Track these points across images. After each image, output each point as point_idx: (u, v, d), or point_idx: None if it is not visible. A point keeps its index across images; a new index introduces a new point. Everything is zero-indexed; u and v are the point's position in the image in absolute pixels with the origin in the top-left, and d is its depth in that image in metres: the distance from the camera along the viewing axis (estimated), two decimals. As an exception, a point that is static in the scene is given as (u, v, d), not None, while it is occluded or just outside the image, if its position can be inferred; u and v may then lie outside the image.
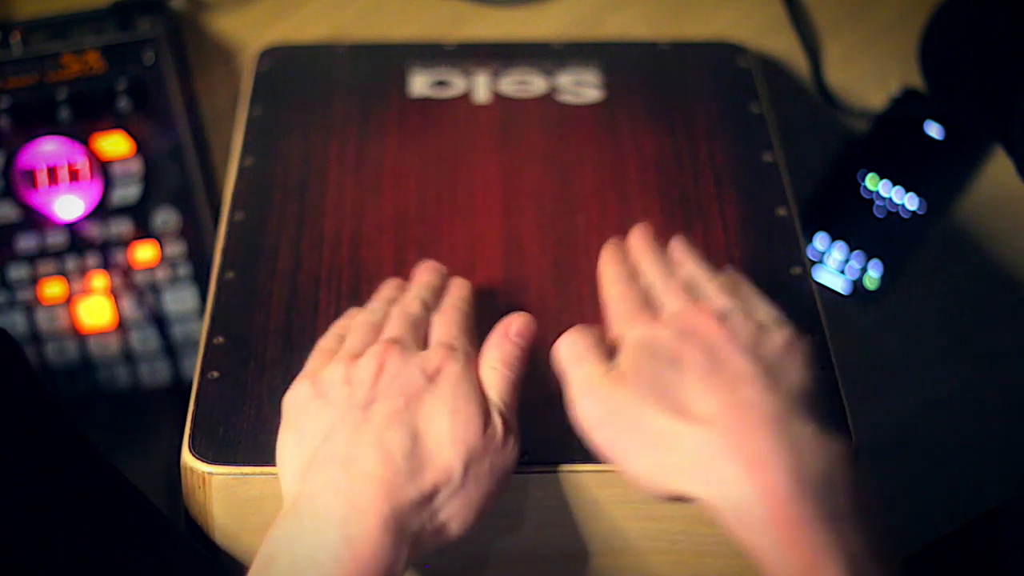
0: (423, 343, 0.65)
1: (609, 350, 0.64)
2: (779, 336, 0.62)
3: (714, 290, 0.66)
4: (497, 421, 0.61)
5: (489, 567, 0.68)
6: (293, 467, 0.61)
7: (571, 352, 0.64)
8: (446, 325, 0.66)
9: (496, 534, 0.67)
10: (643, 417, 0.60)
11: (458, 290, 0.70)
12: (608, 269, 0.70)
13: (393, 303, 0.69)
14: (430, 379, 0.62)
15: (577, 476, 0.65)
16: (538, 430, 0.66)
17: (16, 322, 0.91)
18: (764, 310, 0.65)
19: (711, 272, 0.68)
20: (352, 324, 0.68)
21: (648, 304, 0.66)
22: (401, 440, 0.59)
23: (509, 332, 0.65)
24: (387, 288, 0.71)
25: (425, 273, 0.72)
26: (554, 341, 0.71)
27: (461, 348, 0.64)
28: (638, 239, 0.72)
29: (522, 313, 0.66)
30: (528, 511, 0.66)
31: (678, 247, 0.71)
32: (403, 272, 0.75)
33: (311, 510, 0.58)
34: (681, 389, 0.60)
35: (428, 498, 0.59)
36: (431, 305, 0.68)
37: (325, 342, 0.68)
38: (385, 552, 0.57)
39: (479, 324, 0.71)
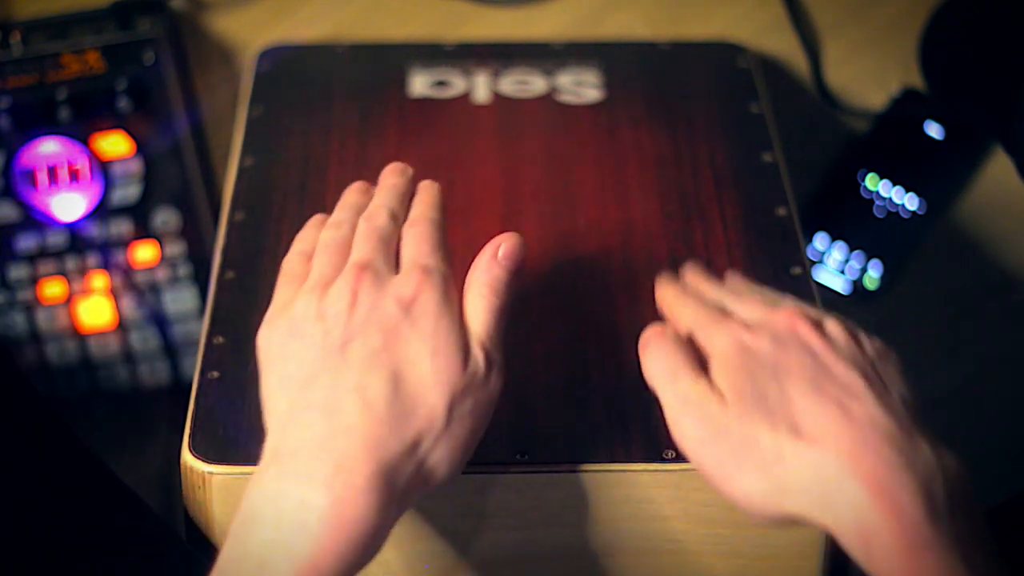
0: (395, 261, 0.62)
1: (697, 358, 0.61)
2: (875, 344, 0.60)
3: (792, 302, 0.63)
4: (479, 355, 0.59)
5: (489, 567, 0.68)
6: (275, 417, 0.59)
7: (662, 368, 0.61)
8: (418, 241, 0.63)
9: (496, 534, 0.67)
10: (753, 436, 0.56)
11: (428, 196, 0.66)
12: (669, 291, 0.67)
13: (359, 212, 0.66)
14: (406, 310, 0.59)
15: (577, 476, 0.65)
16: (538, 430, 0.66)
17: (16, 322, 0.91)
18: (848, 322, 0.62)
19: (782, 294, 0.65)
20: (319, 243, 0.64)
21: (728, 312, 0.63)
22: (381, 386, 0.57)
23: (498, 255, 0.62)
24: (352, 193, 0.68)
25: (391, 176, 0.68)
26: (554, 342, 0.71)
27: (437, 269, 0.61)
28: (692, 273, 0.69)
29: (512, 234, 0.63)
30: (528, 511, 0.66)
31: (736, 277, 0.68)
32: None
33: (294, 468, 0.56)
34: (789, 403, 0.57)
35: (413, 447, 0.57)
36: (399, 214, 0.65)
37: (291, 264, 0.65)
38: (373, 512, 0.55)
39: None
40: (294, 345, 0.60)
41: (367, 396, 0.57)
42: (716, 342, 0.60)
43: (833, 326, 0.60)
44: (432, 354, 0.58)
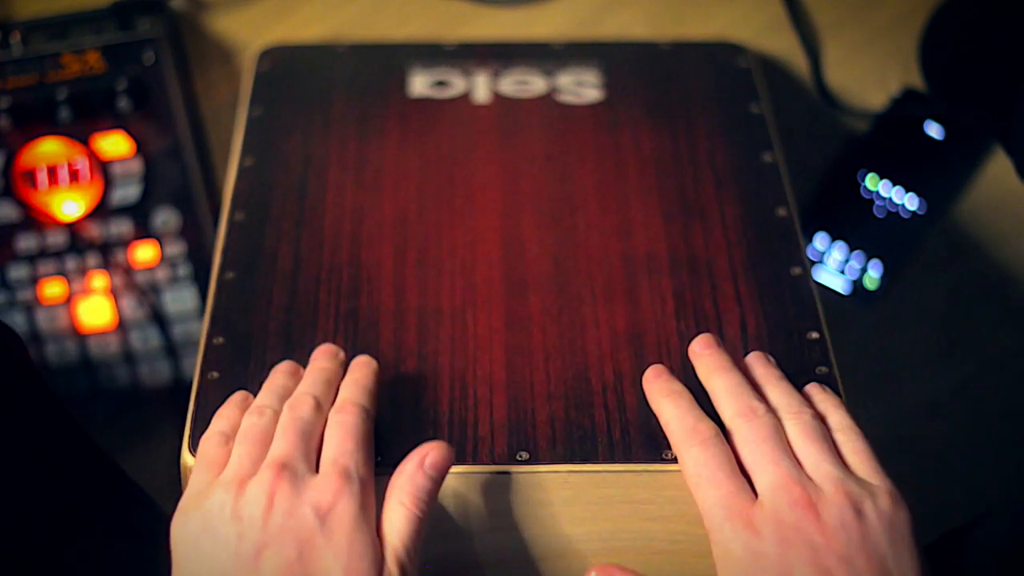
0: (316, 454, 0.62)
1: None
2: (879, 504, 0.60)
3: (803, 437, 0.62)
4: (393, 570, 0.58)
5: (489, 567, 0.68)
6: None
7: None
8: (342, 436, 0.62)
9: (496, 534, 0.67)
10: None
11: (361, 377, 0.66)
12: (666, 405, 0.65)
13: (283, 397, 0.65)
14: (323, 520, 0.58)
15: (577, 476, 0.65)
16: (538, 430, 0.66)
17: (16, 322, 0.91)
18: (858, 456, 0.62)
19: (799, 401, 0.65)
20: (240, 431, 0.63)
21: (735, 477, 0.61)
22: None
23: (424, 464, 0.61)
24: (278, 375, 0.67)
25: (320, 359, 0.68)
26: (554, 342, 0.71)
27: (356, 473, 0.60)
28: (707, 350, 0.67)
29: (440, 443, 0.62)
30: (528, 511, 0.66)
31: (759, 362, 0.67)
32: (403, 273, 0.75)
33: None
34: None
35: None
36: (325, 402, 0.64)
37: (210, 447, 0.63)
38: None
39: (474, 336, 0.71)
40: (207, 543, 0.59)
41: None
42: (727, 546, 0.60)
43: (836, 504, 0.60)
44: (345, 570, 0.57)
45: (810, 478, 0.61)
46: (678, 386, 0.66)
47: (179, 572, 0.59)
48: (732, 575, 0.60)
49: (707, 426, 0.63)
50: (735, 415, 0.63)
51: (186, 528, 0.60)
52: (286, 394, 0.65)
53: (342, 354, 0.68)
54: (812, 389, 0.66)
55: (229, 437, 0.63)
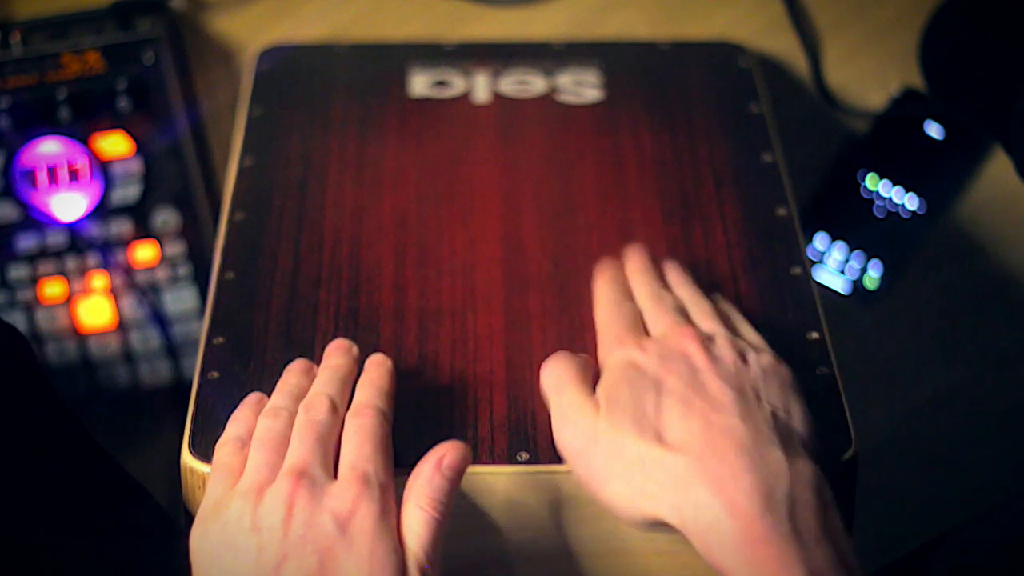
0: (334, 458, 0.61)
1: (595, 376, 0.65)
2: (762, 359, 0.65)
3: (702, 314, 0.68)
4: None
5: (488, 567, 0.68)
6: None
7: (552, 379, 0.65)
8: (360, 440, 0.61)
9: (496, 534, 0.67)
10: (620, 444, 0.61)
11: (377, 378, 0.66)
12: (601, 290, 0.71)
13: (298, 397, 0.64)
14: (343, 528, 0.57)
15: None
16: (538, 430, 0.66)
17: (16, 322, 0.91)
18: (750, 335, 0.68)
19: (702, 297, 0.70)
20: (255, 436, 0.63)
21: (636, 327, 0.68)
22: None
23: (441, 465, 0.60)
24: (292, 375, 0.67)
25: (334, 356, 0.67)
26: (554, 342, 0.71)
27: (375, 478, 0.59)
28: (633, 259, 0.73)
29: (456, 443, 0.61)
30: (528, 511, 0.66)
31: (673, 270, 0.73)
32: (402, 274, 0.75)
33: None
34: (659, 415, 0.61)
35: None
36: (340, 403, 0.63)
37: (225, 454, 0.62)
38: None
39: (474, 336, 0.71)
40: (228, 556, 0.58)
41: None
42: (610, 358, 0.65)
43: (722, 345, 0.65)
44: None
45: (702, 329, 0.66)
46: (617, 277, 0.72)
47: None
48: (608, 376, 0.64)
49: (627, 303, 0.70)
50: (645, 297, 0.70)
51: (206, 540, 0.59)
52: (300, 394, 0.65)
53: (355, 349, 0.68)
54: (716, 295, 0.72)
55: (245, 442, 0.62)
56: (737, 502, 0.57)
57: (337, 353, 0.67)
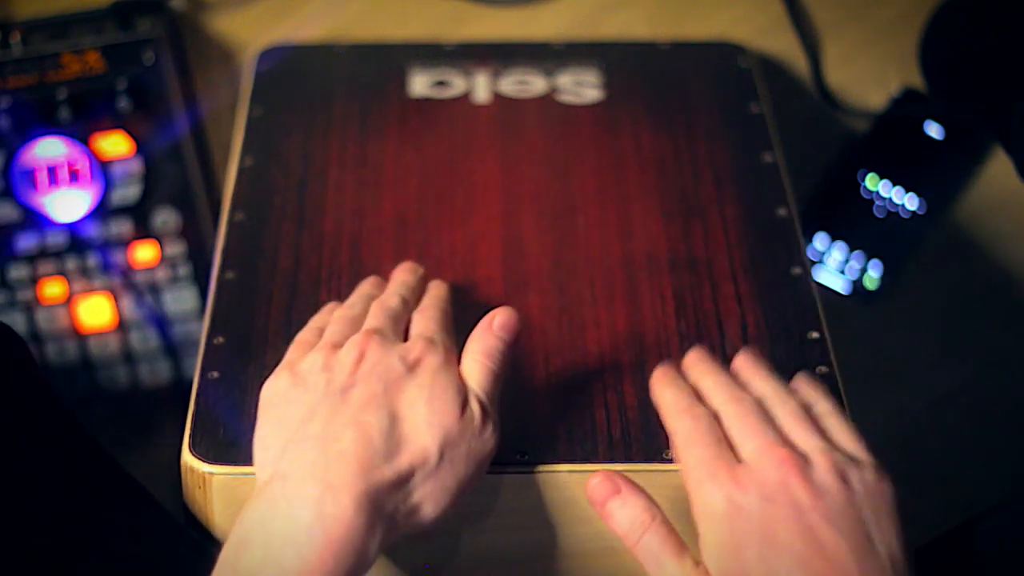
0: (403, 337, 0.66)
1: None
2: (865, 476, 0.60)
3: (790, 419, 0.62)
4: (475, 407, 0.62)
5: (488, 567, 0.68)
6: (269, 452, 0.61)
7: (646, 551, 0.61)
8: (426, 320, 0.66)
9: (496, 534, 0.67)
10: None
11: (437, 289, 0.71)
12: (665, 394, 0.65)
13: (372, 300, 0.69)
14: (410, 368, 0.62)
15: (577, 476, 0.65)
16: (538, 430, 0.66)
17: (16, 322, 0.91)
18: (843, 439, 0.62)
19: (784, 391, 0.64)
20: (332, 317, 0.68)
21: (721, 447, 0.61)
22: (378, 421, 0.60)
23: (493, 325, 0.65)
24: (365, 285, 0.72)
25: (403, 272, 0.72)
26: (554, 342, 0.71)
27: (441, 342, 0.64)
28: (697, 358, 0.67)
29: (506, 308, 0.66)
30: (528, 511, 0.66)
31: (746, 361, 0.66)
32: (403, 272, 0.75)
33: (284, 490, 0.58)
34: None
35: (404, 479, 0.59)
36: (410, 301, 0.69)
37: (304, 335, 0.68)
38: (359, 532, 0.57)
39: (473, 325, 0.71)
40: (296, 392, 0.62)
41: (363, 427, 0.59)
42: (708, 502, 0.60)
43: (822, 468, 0.59)
44: (429, 399, 0.61)
45: (796, 446, 0.60)
46: (680, 380, 0.66)
47: (264, 420, 0.63)
48: (713, 532, 0.59)
49: (700, 407, 0.63)
50: (722, 402, 0.63)
51: (275, 385, 0.64)
52: (373, 299, 0.69)
53: (422, 270, 0.73)
54: (798, 380, 0.66)
55: (322, 332, 0.67)
56: None
57: (407, 271, 0.72)
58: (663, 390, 0.65)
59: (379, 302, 0.68)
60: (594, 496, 0.63)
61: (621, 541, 0.62)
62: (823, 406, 0.64)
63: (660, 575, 0.61)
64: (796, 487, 0.58)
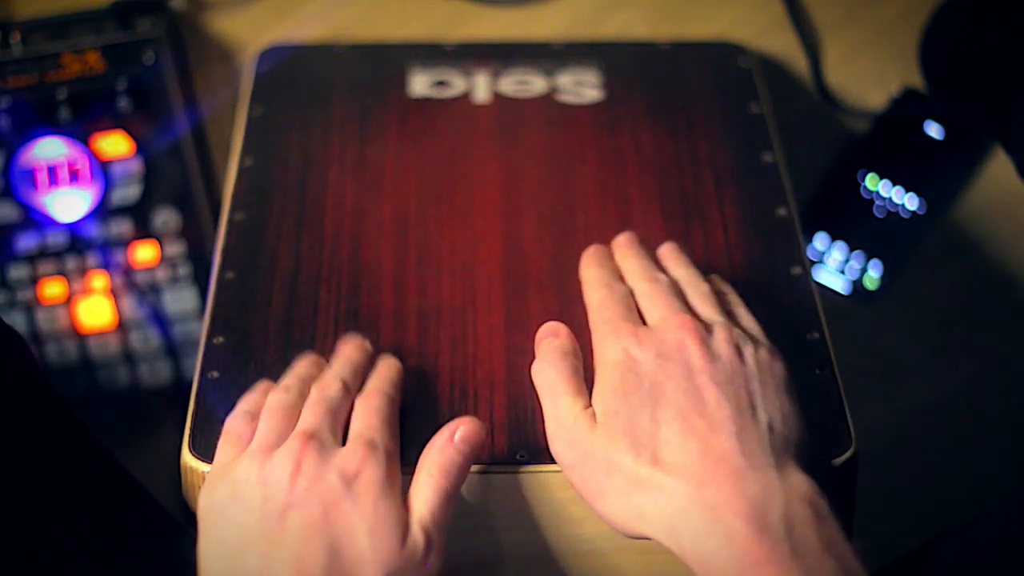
0: (342, 431, 0.63)
1: (581, 371, 0.65)
2: (759, 354, 0.63)
3: (699, 297, 0.67)
4: (418, 537, 0.59)
5: (489, 566, 0.68)
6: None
7: (545, 384, 0.65)
8: (368, 414, 0.63)
9: (496, 534, 0.67)
10: (617, 462, 0.60)
11: (385, 371, 0.67)
12: (589, 271, 0.70)
13: (308, 383, 0.65)
14: (348, 484, 0.59)
15: (577, 476, 0.65)
16: (538, 430, 0.66)
17: (16, 322, 0.91)
18: (746, 321, 0.66)
19: (699, 277, 0.69)
20: (266, 406, 0.64)
21: (630, 311, 0.66)
22: (318, 559, 0.57)
23: (455, 438, 0.62)
24: (303, 365, 0.68)
25: (347, 348, 0.68)
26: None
27: (382, 445, 0.61)
28: (624, 241, 0.72)
29: (471, 419, 0.63)
30: (528, 511, 0.66)
31: (668, 250, 0.72)
32: (403, 273, 0.75)
33: None
34: (656, 431, 0.60)
35: None
36: (352, 386, 0.65)
37: (235, 424, 0.64)
38: None
39: (474, 336, 0.71)
40: (233, 509, 0.59)
41: (303, 566, 0.57)
42: (606, 352, 0.64)
43: (720, 338, 0.63)
44: (370, 531, 0.58)
45: (699, 317, 0.65)
46: (606, 260, 0.71)
47: (205, 539, 0.60)
48: (606, 377, 0.63)
49: (618, 284, 0.68)
50: (638, 280, 0.68)
51: (212, 497, 0.61)
52: (311, 380, 0.66)
53: (369, 346, 0.69)
54: (713, 277, 0.70)
55: (254, 416, 0.64)
56: (734, 529, 0.56)
57: (352, 347, 0.68)
58: (588, 267, 0.71)
59: (318, 389, 0.64)
60: (539, 336, 0.67)
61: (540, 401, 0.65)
62: (734, 297, 0.69)
63: (552, 407, 0.64)
64: (691, 350, 0.62)
